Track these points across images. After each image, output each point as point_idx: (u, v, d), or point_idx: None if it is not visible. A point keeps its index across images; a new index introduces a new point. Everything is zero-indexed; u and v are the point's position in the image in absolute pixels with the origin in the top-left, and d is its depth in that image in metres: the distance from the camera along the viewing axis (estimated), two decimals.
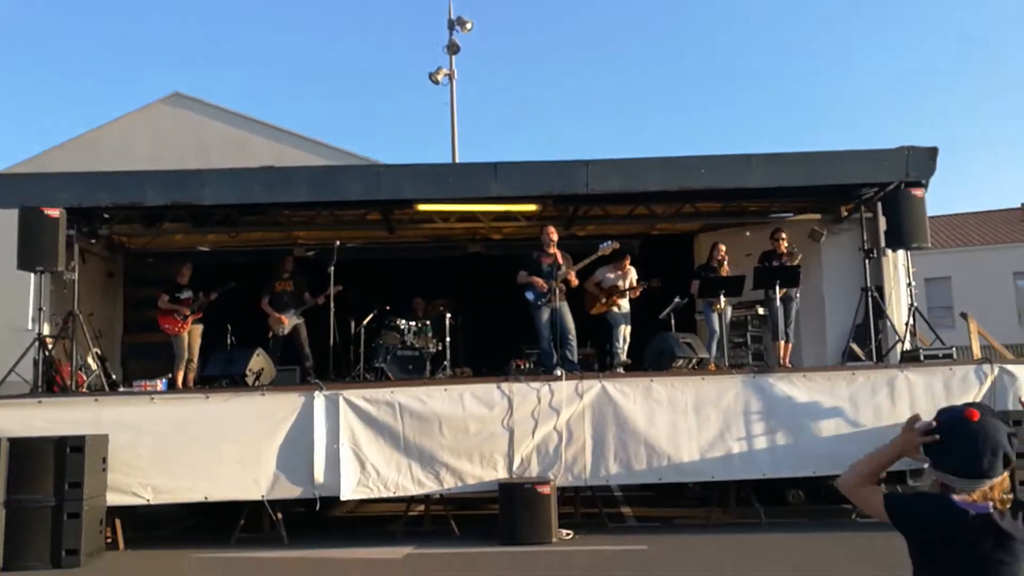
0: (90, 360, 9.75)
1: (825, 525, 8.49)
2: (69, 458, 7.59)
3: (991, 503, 2.13)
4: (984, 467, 2.14)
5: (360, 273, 11.36)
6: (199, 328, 10.68)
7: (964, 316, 10.72)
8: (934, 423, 2.25)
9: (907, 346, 9.73)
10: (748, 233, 11.50)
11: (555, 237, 9.86)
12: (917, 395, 8.79)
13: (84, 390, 9.16)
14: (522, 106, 65.79)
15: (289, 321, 10.68)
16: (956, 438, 2.19)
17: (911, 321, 9.94)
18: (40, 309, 9.47)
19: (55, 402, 8.50)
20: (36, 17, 49.45)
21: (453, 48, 19.22)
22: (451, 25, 19.17)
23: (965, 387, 8.83)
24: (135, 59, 50.62)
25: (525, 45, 64.07)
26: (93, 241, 10.74)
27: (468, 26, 19.12)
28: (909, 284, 10.30)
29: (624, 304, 10.65)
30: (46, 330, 9.38)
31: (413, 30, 59.13)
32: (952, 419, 2.24)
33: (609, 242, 9.90)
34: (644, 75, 66.11)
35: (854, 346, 9.98)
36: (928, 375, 8.90)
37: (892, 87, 63.09)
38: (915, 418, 2.32)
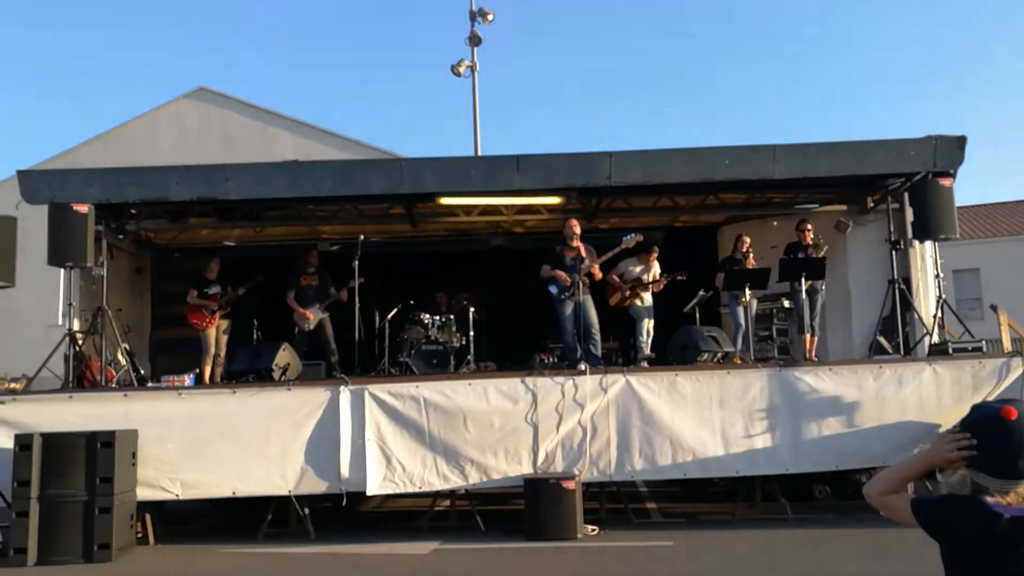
0: (119, 355, 9.86)
1: (852, 521, 8.41)
2: (100, 453, 7.69)
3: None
4: (1021, 467, 2.05)
5: (384, 267, 11.42)
6: (226, 323, 10.77)
7: (994, 308, 10.56)
8: (968, 436, 2.17)
9: (935, 339, 9.60)
10: (776, 223, 11.39)
11: (578, 230, 9.82)
12: (945, 389, 8.69)
13: (113, 385, 9.28)
14: (545, 97, 65.59)
15: (314, 316, 10.73)
16: (991, 437, 2.10)
17: (939, 313, 9.81)
18: (70, 305, 9.58)
19: (85, 397, 8.61)
20: (61, 14, 49.96)
21: (475, 40, 19.18)
22: (473, 17, 19.13)
23: (995, 381, 8.71)
24: (160, 54, 51.00)
25: (547, 35, 63.81)
26: (121, 237, 10.85)
27: (490, 18, 19.08)
28: (937, 276, 10.16)
29: (647, 297, 10.60)
30: (76, 326, 9.49)
31: (435, 22, 59.09)
32: (987, 417, 2.15)
33: (633, 235, 9.85)
34: (665, 61, 65.65)
35: (881, 339, 9.88)
36: (957, 369, 8.79)
37: (920, 74, 62.21)
38: (949, 431, 2.26)
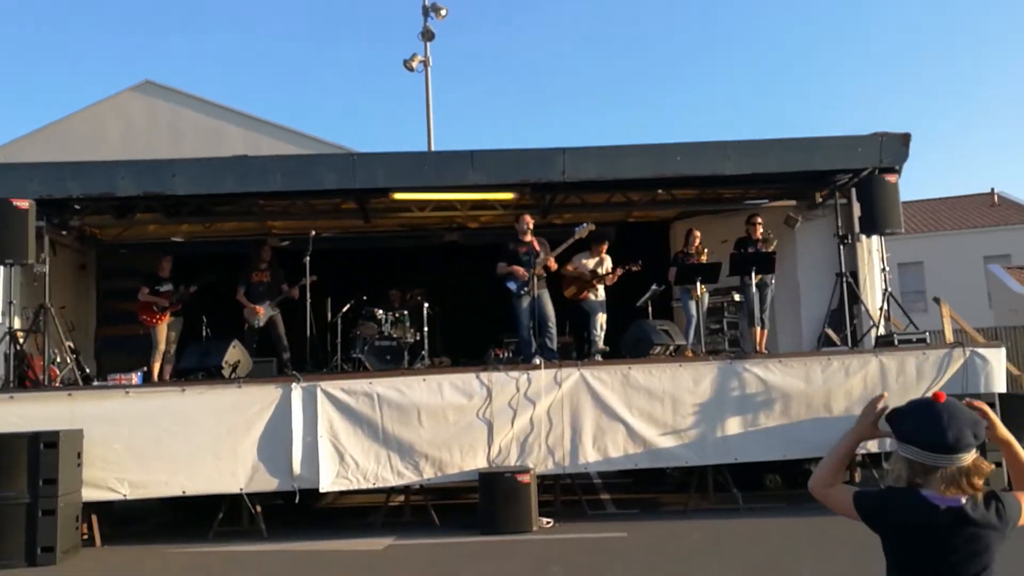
0: (63, 354, 9.62)
1: (802, 510, 8.56)
2: (43, 454, 7.48)
3: (963, 496, 2.11)
4: (951, 438, 2.10)
5: (336, 263, 11.31)
6: (177, 321, 10.59)
7: (937, 301, 10.86)
8: (883, 395, 2.29)
9: (881, 331, 9.84)
10: (724, 214, 11.54)
11: (531, 225, 9.84)
12: (891, 379, 8.90)
13: (57, 384, 9.04)
14: (498, 93, 65.56)
15: (265, 312, 10.59)
16: (923, 413, 2.18)
17: (885, 306, 10.06)
18: (10, 303, 9.31)
19: (27, 397, 8.37)
20: (3, 3, 48.47)
21: (428, 35, 19.09)
22: (425, 12, 19.04)
23: (938, 371, 8.95)
24: (105, 45, 49.83)
25: (500, 31, 63.79)
26: (64, 232, 10.58)
27: (443, 13, 18.99)
28: (883, 269, 10.41)
29: (600, 291, 10.67)
30: (17, 324, 9.24)
31: (387, 17, 58.68)
32: (919, 401, 2.25)
33: (585, 224, 9.89)
34: (622, 61, 66.09)
35: (829, 331, 10.08)
36: (902, 359, 9.01)
37: (863, 73, 63.55)
38: (871, 403, 2.34)
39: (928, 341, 9.46)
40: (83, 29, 48.94)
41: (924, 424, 2.15)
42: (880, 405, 2.32)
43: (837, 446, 2.40)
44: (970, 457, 2.13)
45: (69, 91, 51.87)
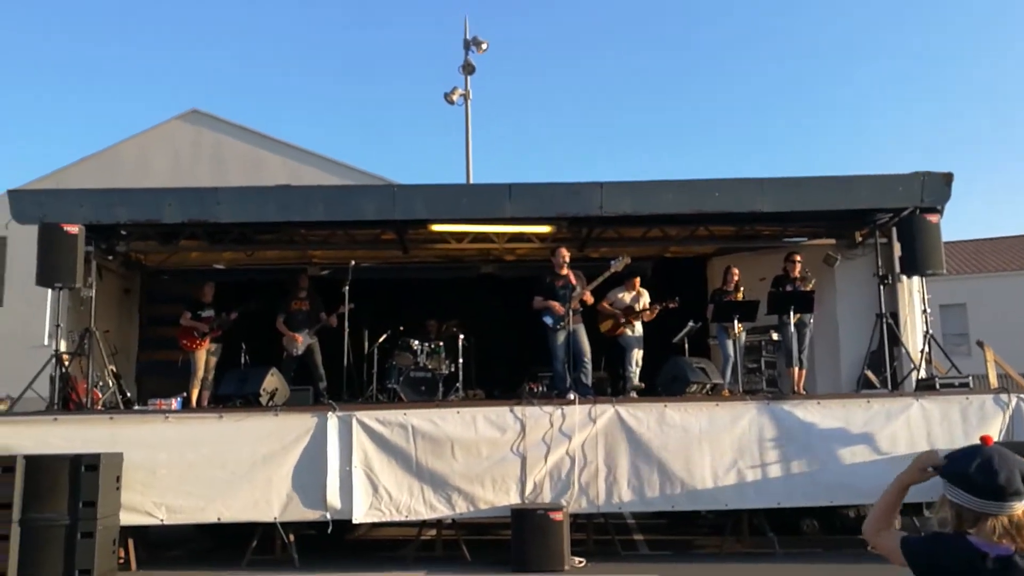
0: (106, 377, 9.79)
1: (840, 556, 8.40)
2: (83, 476, 7.60)
3: (1013, 546, 2.06)
4: (1002, 481, 2.05)
5: (374, 293, 11.41)
6: (216, 347, 10.73)
7: (980, 344, 10.64)
8: (936, 452, 2.24)
9: (922, 374, 9.65)
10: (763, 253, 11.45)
11: (567, 258, 9.86)
12: (933, 424, 8.71)
13: (99, 408, 9.19)
14: (537, 126, 66.02)
15: (303, 340, 10.70)
16: (971, 457, 2.14)
17: (926, 349, 9.86)
18: (57, 326, 9.52)
19: (70, 419, 8.53)
20: (55, 34, 50.04)
21: (468, 68, 19.31)
22: (466, 45, 19.28)
23: (983, 416, 8.74)
24: (153, 75, 51.13)
25: (541, 65, 64.35)
26: (110, 258, 10.80)
27: (483, 46, 19.22)
28: (924, 311, 10.23)
29: (637, 327, 10.63)
30: (63, 347, 9.42)
31: (429, 50, 59.53)
32: (965, 449, 2.21)
33: (620, 258, 9.89)
34: (658, 95, 66.27)
35: (869, 373, 9.92)
36: (944, 404, 8.82)
37: (911, 112, 63.04)
38: (927, 454, 2.31)
39: (971, 385, 9.26)
40: (132, 58, 50.29)
41: (973, 468, 2.11)
42: (934, 459, 2.28)
43: (886, 492, 2.38)
44: (1021, 506, 2.07)
45: (119, 120, 53.23)
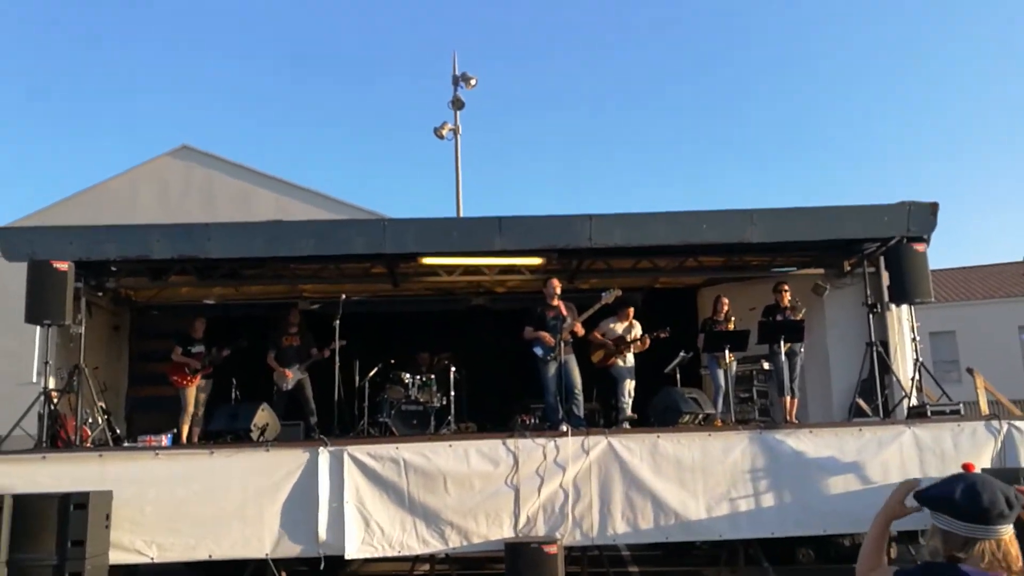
0: (95, 414, 9.72)
1: None
2: (72, 515, 7.49)
3: (1003, 573, 2.07)
4: (986, 505, 2.08)
5: (364, 326, 11.40)
6: (207, 383, 10.68)
7: (970, 371, 10.70)
8: (917, 480, 2.27)
9: (913, 402, 9.68)
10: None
11: (558, 290, 9.89)
12: (925, 451, 8.70)
13: (88, 445, 9.11)
14: (526, 160, 66.47)
15: (293, 375, 10.67)
16: (954, 483, 2.17)
17: (917, 376, 9.91)
18: (46, 363, 9.47)
19: (59, 457, 8.43)
20: (44, 69, 50.27)
21: (457, 104, 19.52)
22: (456, 81, 19.49)
23: (974, 443, 8.75)
24: (143, 112, 51.33)
25: (529, 101, 64.94)
26: (100, 294, 10.78)
27: (472, 82, 19.44)
28: (914, 339, 10.29)
29: (629, 358, 10.65)
30: (52, 384, 9.36)
31: (418, 85, 60.03)
32: (948, 477, 2.24)
33: (611, 289, 9.93)
34: (647, 127, 66.90)
35: (860, 401, 9.94)
36: (936, 431, 8.83)
37: (895, 143, 63.78)
38: (903, 484, 2.33)
39: (962, 412, 9.29)
40: (121, 96, 50.51)
41: (957, 493, 2.14)
42: (912, 486, 2.31)
43: (871, 528, 2.40)
44: (1008, 532, 2.10)
45: (108, 156, 53.32)
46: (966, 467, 2.24)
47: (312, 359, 10.77)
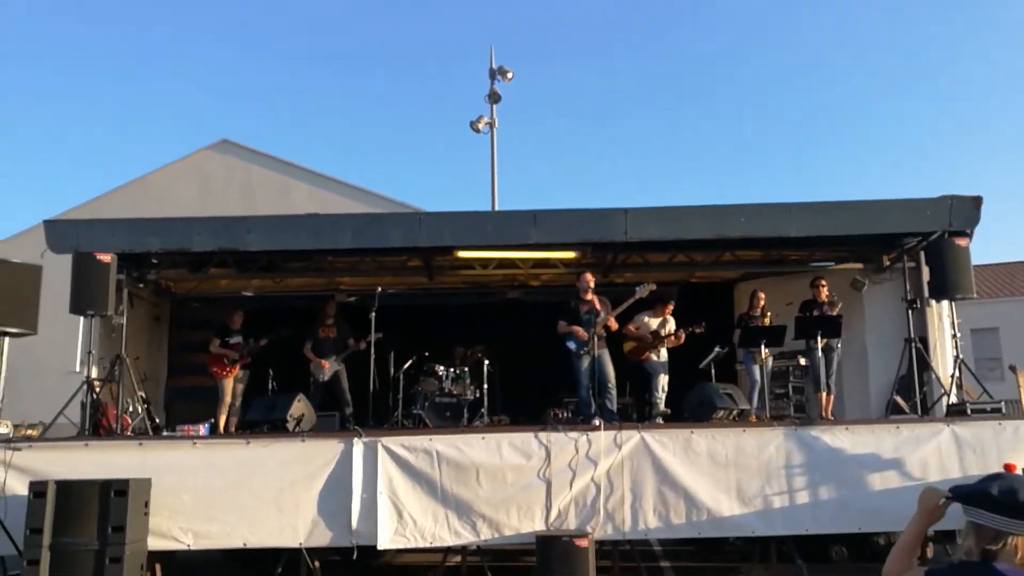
0: (136, 403, 9.92)
1: None
2: (113, 502, 7.66)
3: None
4: (1022, 499, 2.08)
5: (400, 319, 11.49)
6: (245, 374, 10.83)
7: (1013, 369, 10.50)
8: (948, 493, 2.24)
9: (953, 399, 9.50)
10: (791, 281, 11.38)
11: (591, 284, 9.86)
12: (965, 449, 8.54)
13: (129, 433, 9.30)
14: (562, 153, 66.31)
15: (330, 367, 10.78)
16: (992, 480, 2.16)
17: (957, 373, 9.71)
18: (89, 352, 9.68)
19: (101, 445, 8.63)
20: (86, 65, 51.25)
21: (494, 97, 19.52)
22: (492, 75, 19.49)
23: (1016, 442, 8.54)
24: (185, 106, 52.10)
25: (565, 93, 64.75)
26: (141, 285, 10.99)
27: (509, 76, 19.42)
28: (954, 335, 10.09)
29: (663, 353, 10.59)
30: (94, 373, 9.57)
31: (455, 79, 60.18)
32: (988, 475, 2.23)
33: (645, 284, 9.88)
34: (685, 121, 66.34)
35: (898, 398, 9.78)
36: (976, 429, 8.65)
37: (939, 135, 62.55)
38: (928, 489, 2.30)
39: (1004, 411, 9.10)
40: (163, 89, 51.33)
41: (996, 489, 2.13)
42: (936, 495, 2.28)
43: (904, 533, 2.37)
44: None
45: (150, 151, 54.23)
46: (1007, 467, 2.21)
47: (349, 350, 10.86)
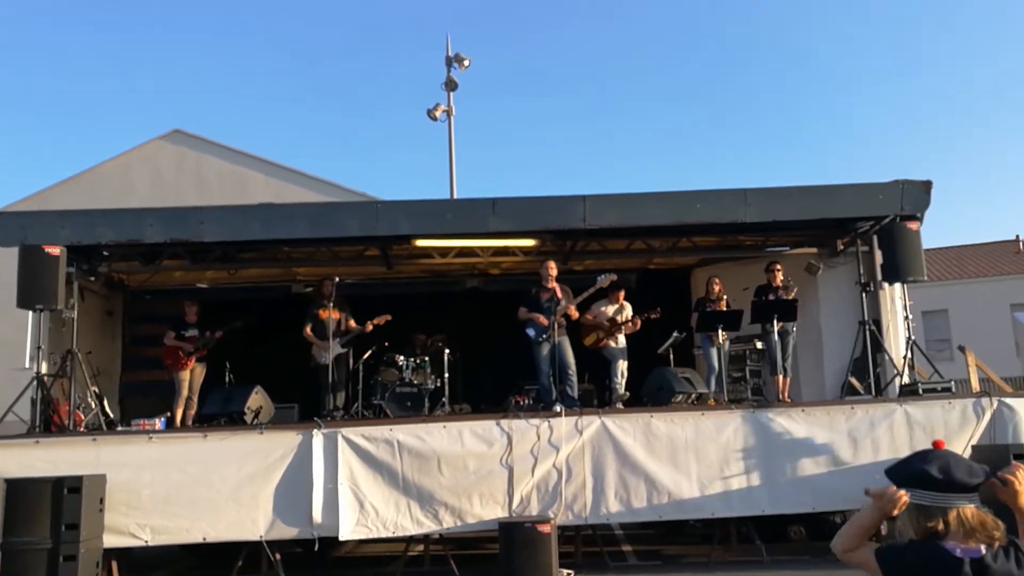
0: (89, 399, 9.71)
1: (828, 562, 8.32)
2: (66, 499, 7.53)
3: (982, 546, 2.11)
4: (959, 475, 2.15)
5: (358, 309, 11.36)
6: (201, 367, 10.63)
7: (962, 349, 10.73)
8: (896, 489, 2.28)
9: (905, 380, 9.72)
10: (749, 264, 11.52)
11: (554, 272, 9.89)
12: (916, 429, 8.77)
13: (82, 429, 9.11)
14: (520, 140, 66.26)
15: (332, 350, 10.20)
16: (924, 458, 2.23)
17: (909, 354, 9.94)
18: (39, 348, 9.45)
19: (53, 442, 8.46)
20: (36, 52, 49.92)
21: (451, 85, 19.41)
22: (449, 62, 19.38)
23: (964, 420, 8.81)
24: (135, 95, 51.02)
25: (522, 80, 64.67)
26: (92, 279, 10.75)
27: (466, 63, 19.33)
28: (906, 317, 10.31)
29: (621, 339, 10.65)
30: (44, 369, 9.34)
31: (411, 66, 59.73)
32: (917, 453, 2.32)
33: (607, 274, 9.93)
34: (644, 104, 66.71)
35: (852, 380, 9.98)
36: (927, 409, 8.89)
37: (885, 119, 63.71)
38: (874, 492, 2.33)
39: (954, 390, 9.32)
40: (113, 79, 50.18)
41: (932, 468, 2.19)
42: (886, 490, 2.31)
43: (860, 516, 2.40)
44: (976, 501, 2.16)
45: (100, 141, 53.06)
46: (936, 444, 2.26)
47: (352, 333, 10.36)
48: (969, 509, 2.15)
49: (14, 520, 7.49)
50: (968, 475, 2.15)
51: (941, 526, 2.15)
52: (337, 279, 10.40)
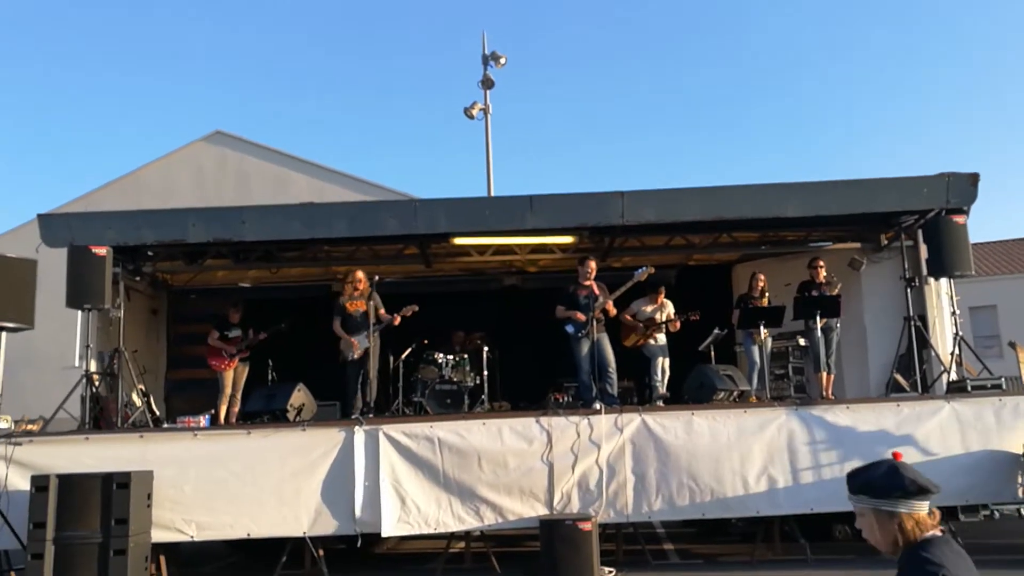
0: (135, 396, 9.89)
1: (874, 562, 8.22)
2: (115, 494, 7.66)
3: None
4: (922, 483, 2.28)
5: (398, 307, 11.42)
6: (244, 365, 10.77)
7: (1012, 345, 10.51)
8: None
9: (953, 376, 9.51)
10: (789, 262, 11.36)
11: (594, 269, 9.81)
12: (966, 426, 8.56)
13: (129, 426, 9.29)
14: (557, 138, 66.15)
15: (360, 345, 9.90)
16: (900, 475, 2.32)
17: (956, 351, 9.72)
18: (87, 346, 9.66)
19: (101, 438, 8.61)
20: (80, 58, 50.95)
21: (487, 83, 19.45)
22: (485, 60, 19.42)
23: (1016, 417, 8.58)
24: (178, 98, 51.87)
25: (559, 77, 64.53)
26: (137, 279, 10.96)
27: (502, 61, 19.35)
28: (953, 312, 10.09)
29: (661, 336, 10.59)
30: (93, 367, 9.54)
31: (448, 65, 59.94)
32: (868, 464, 2.47)
33: (644, 268, 9.84)
34: (680, 102, 66.18)
35: (898, 377, 9.80)
36: (977, 406, 8.68)
37: (935, 110, 62.47)
38: None
39: (1004, 387, 9.10)
40: (157, 82, 51.07)
41: (904, 480, 2.31)
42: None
43: None
44: (925, 508, 2.32)
45: (144, 143, 54.03)
46: (895, 456, 2.34)
47: (382, 325, 9.85)
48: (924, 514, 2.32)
49: (66, 515, 7.64)
50: (927, 483, 2.32)
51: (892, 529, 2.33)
52: (377, 277, 10.41)
